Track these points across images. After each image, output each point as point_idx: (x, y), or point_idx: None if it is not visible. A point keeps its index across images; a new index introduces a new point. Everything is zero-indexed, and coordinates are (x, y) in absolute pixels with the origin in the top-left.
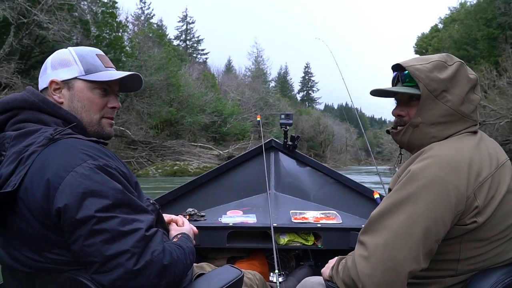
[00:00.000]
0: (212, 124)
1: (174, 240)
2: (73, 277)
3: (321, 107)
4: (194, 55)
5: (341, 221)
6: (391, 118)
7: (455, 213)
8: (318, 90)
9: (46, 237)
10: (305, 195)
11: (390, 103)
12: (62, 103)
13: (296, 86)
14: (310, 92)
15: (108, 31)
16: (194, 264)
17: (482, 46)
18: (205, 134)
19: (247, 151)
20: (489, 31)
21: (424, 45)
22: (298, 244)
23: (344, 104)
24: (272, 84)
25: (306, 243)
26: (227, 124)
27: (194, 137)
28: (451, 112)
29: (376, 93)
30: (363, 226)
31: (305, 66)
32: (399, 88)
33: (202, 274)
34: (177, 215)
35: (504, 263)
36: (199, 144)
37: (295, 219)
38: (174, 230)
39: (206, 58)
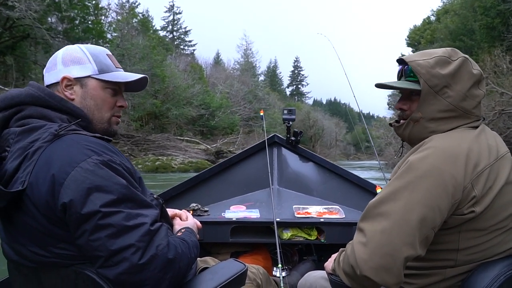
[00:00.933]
0: (199, 118)
1: (178, 234)
2: (79, 271)
3: (310, 101)
4: (181, 46)
5: (344, 216)
6: (379, 113)
7: (452, 202)
8: (307, 84)
9: (52, 231)
10: (308, 190)
11: (379, 99)
12: (73, 99)
13: (286, 80)
14: (299, 86)
15: (82, 14)
16: (198, 259)
17: (479, 37)
18: (192, 127)
19: (250, 146)
20: (487, 21)
21: (416, 38)
22: (301, 239)
23: (333, 99)
24: (262, 78)
25: (309, 238)
26: (215, 118)
27: (181, 131)
28: (451, 107)
29: (380, 86)
30: None
31: (294, 60)
32: (400, 83)
33: (206, 268)
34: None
35: (504, 254)
36: (186, 138)
37: (298, 214)
38: (178, 225)
39: (194, 50)
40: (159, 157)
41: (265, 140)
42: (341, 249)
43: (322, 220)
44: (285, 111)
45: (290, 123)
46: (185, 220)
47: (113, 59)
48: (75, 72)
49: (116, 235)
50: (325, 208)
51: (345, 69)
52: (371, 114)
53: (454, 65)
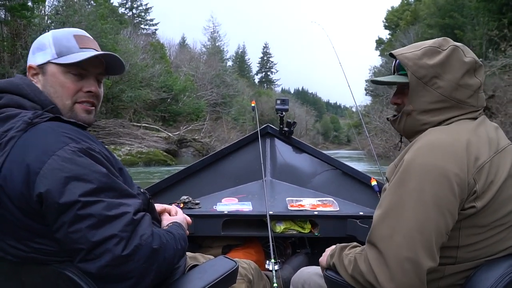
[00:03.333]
0: (160, 102)
1: (165, 227)
2: (59, 271)
3: (279, 89)
4: (142, 26)
5: (338, 209)
6: (345, 103)
7: (459, 201)
8: (277, 71)
9: (27, 225)
10: (301, 182)
11: (344, 89)
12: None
13: (255, 68)
14: (268, 73)
15: None
16: (188, 255)
17: (474, 11)
18: (152, 113)
19: (242, 137)
20: None
21: (394, 19)
22: (294, 232)
23: (300, 89)
24: (230, 63)
25: (303, 231)
26: (178, 102)
27: (138, 117)
28: (442, 98)
29: (374, 82)
30: (361, 213)
31: (263, 46)
32: (390, 78)
33: (195, 265)
34: (171, 203)
35: (507, 251)
36: (143, 124)
37: (291, 206)
38: (166, 220)
39: (156, 30)
40: (108, 146)
41: (257, 131)
42: (339, 245)
43: (316, 213)
44: (278, 101)
45: (283, 113)
46: (174, 215)
47: (81, 39)
48: (38, 59)
49: (97, 226)
50: (319, 201)
51: (316, 58)
52: (338, 104)
53: (443, 54)
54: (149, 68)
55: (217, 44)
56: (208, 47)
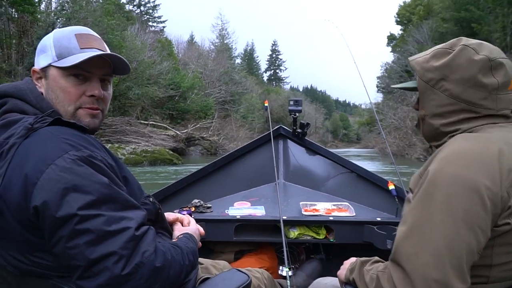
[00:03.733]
0: (168, 99)
1: (174, 240)
2: (58, 285)
3: (287, 87)
4: (150, 23)
5: (354, 214)
6: (355, 101)
7: (491, 217)
8: (286, 69)
9: (27, 239)
10: (315, 185)
11: (354, 86)
12: (42, 94)
13: (263, 65)
14: (277, 71)
15: None
16: (202, 260)
17: (492, 4)
18: (159, 111)
19: (254, 139)
20: None
21: (407, 14)
22: (309, 238)
23: (309, 87)
24: (238, 61)
25: (317, 237)
26: (187, 100)
27: (146, 114)
28: (451, 101)
29: (395, 88)
30: (378, 219)
31: (272, 44)
32: (404, 84)
33: (207, 278)
34: (182, 207)
35: None
36: (151, 122)
37: (305, 211)
38: (178, 231)
39: (164, 27)
40: (109, 145)
41: (270, 132)
42: (359, 260)
43: (331, 218)
44: (291, 102)
45: (297, 114)
46: (186, 225)
47: (83, 38)
48: (41, 62)
49: (95, 242)
50: (334, 205)
51: (324, 56)
52: (347, 102)
53: (451, 55)
54: (157, 65)
55: (225, 42)
56: (216, 44)
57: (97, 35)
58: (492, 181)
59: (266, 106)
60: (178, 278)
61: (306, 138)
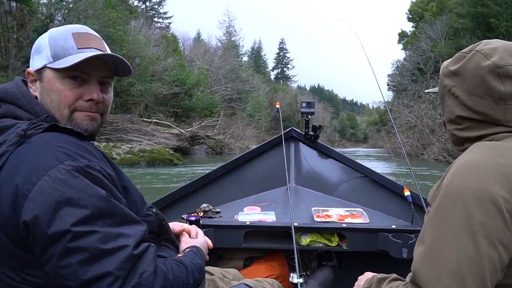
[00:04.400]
0: (173, 97)
1: (179, 255)
2: None
3: (294, 86)
4: (155, 19)
5: (368, 221)
6: (362, 100)
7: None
8: (293, 67)
9: (17, 255)
10: (328, 190)
11: (361, 86)
12: (36, 97)
13: (270, 64)
14: (285, 69)
15: None
16: (207, 276)
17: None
18: (163, 108)
19: (265, 142)
20: None
21: (419, 11)
22: (321, 245)
23: (316, 86)
24: (245, 58)
25: (330, 244)
26: (192, 97)
27: (149, 112)
28: (462, 108)
29: (428, 92)
30: (393, 226)
31: (280, 42)
32: (430, 90)
33: None
34: (190, 213)
35: None
36: (154, 120)
37: (317, 217)
38: (185, 243)
39: (169, 23)
40: (103, 144)
41: (281, 135)
42: (375, 276)
43: (344, 225)
44: (304, 104)
45: (309, 116)
46: (194, 237)
47: (80, 38)
48: (36, 63)
49: (89, 261)
50: (346, 211)
51: (330, 53)
52: (354, 101)
53: (463, 61)
54: (161, 61)
55: (232, 39)
56: (223, 42)
57: (96, 34)
58: (510, 192)
59: (277, 108)
60: None
61: (318, 141)
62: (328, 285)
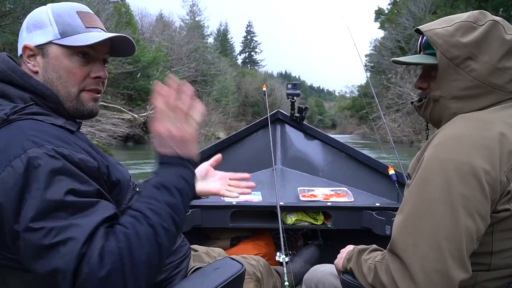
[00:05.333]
0: (126, 77)
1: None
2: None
3: (263, 70)
4: None
5: (352, 199)
6: (329, 87)
7: (490, 203)
8: (261, 51)
9: None
10: (313, 170)
11: (328, 72)
12: (36, 72)
13: (238, 48)
14: (252, 53)
15: None
16: (193, 253)
17: None
18: (114, 90)
19: (251, 124)
20: None
21: None
22: (306, 224)
23: (284, 72)
24: (211, 40)
25: (315, 223)
26: (150, 78)
27: None
28: (476, 83)
29: (396, 62)
30: (377, 204)
31: (247, 25)
32: (415, 58)
33: (199, 267)
34: None
35: None
36: (99, 103)
37: (303, 196)
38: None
39: None
40: None
41: (267, 117)
42: (356, 248)
43: (329, 204)
44: (289, 86)
45: (295, 98)
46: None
47: (86, 17)
48: (37, 38)
49: (39, 256)
50: (332, 190)
51: (301, 40)
52: (321, 88)
53: (480, 31)
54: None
55: (196, 19)
56: (187, 22)
57: (93, 13)
58: (491, 165)
59: (264, 91)
60: (151, 264)
61: (304, 122)
62: (314, 262)
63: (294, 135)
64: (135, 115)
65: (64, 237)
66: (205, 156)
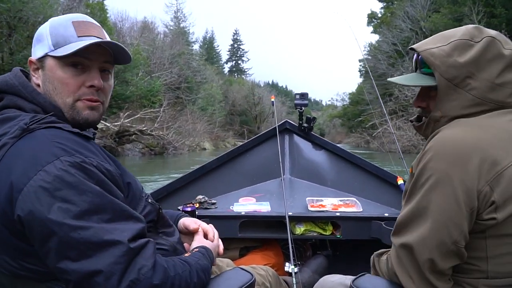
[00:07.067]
0: None
1: (187, 254)
2: (53, 287)
3: (251, 79)
4: None
5: (361, 209)
6: (316, 96)
7: (468, 211)
8: (248, 60)
9: (16, 245)
10: (322, 180)
11: (314, 82)
12: (39, 85)
13: (224, 56)
14: (239, 62)
15: None
16: None
17: None
18: None
19: (259, 134)
20: None
21: None
22: (315, 234)
23: (271, 82)
24: (196, 48)
25: (324, 233)
26: (128, 84)
27: None
28: (477, 101)
29: (393, 82)
30: (386, 214)
31: (233, 33)
32: (413, 79)
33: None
34: (186, 204)
35: None
36: None
37: (311, 207)
38: (197, 242)
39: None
40: None
41: (275, 127)
42: (374, 254)
43: (338, 214)
44: (297, 96)
45: (303, 108)
46: (211, 239)
47: (81, 26)
48: (37, 52)
49: (84, 256)
50: (340, 201)
51: (282, 49)
52: (308, 97)
53: (477, 48)
54: None
55: (181, 25)
56: (171, 28)
57: (96, 22)
58: (467, 175)
59: (273, 101)
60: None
61: (312, 132)
62: (322, 273)
63: (303, 145)
64: (108, 124)
65: (112, 239)
66: (215, 166)
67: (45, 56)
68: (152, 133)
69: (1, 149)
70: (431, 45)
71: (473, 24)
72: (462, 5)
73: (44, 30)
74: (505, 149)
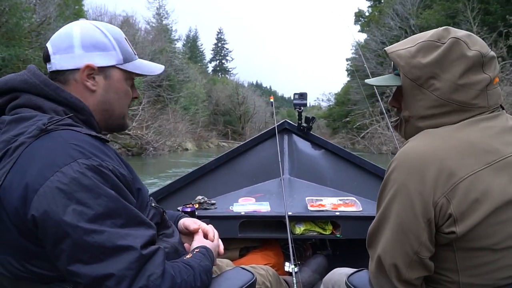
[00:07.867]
0: None
1: (188, 256)
2: None
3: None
4: None
5: (361, 209)
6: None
7: (424, 221)
8: (232, 59)
9: (23, 245)
10: (321, 180)
11: (298, 83)
12: (94, 91)
13: (208, 55)
14: (223, 61)
15: None
16: None
17: None
18: None
19: (259, 134)
20: None
21: None
22: (315, 234)
23: (255, 83)
24: (179, 46)
25: (324, 233)
26: None
27: None
28: (441, 102)
29: (368, 83)
30: None
31: (217, 32)
32: (383, 80)
33: None
34: (186, 204)
35: None
36: None
37: (311, 206)
38: (198, 242)
39: None
40: None
41: (275, 127)
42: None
43: (337, 213)
44: (296, 96)
45: (302, 108)
46: (211, 239)
47: (129, 43)
48: (99, 60)
49: (97, 260)
50: (340, 200)
51: (266, 50)
52: (292, 99)
53: (441, 50)
54: (48, 23)
55: (164, 23)
56: (153, 25)
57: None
58: (423, 187)
59: (272, 102)
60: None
61: (311, 132)
62: (322, 272)
63: (302, 145)
64: None
65: (125, 244)
66: (214, 166)
67: (112, 66)
68: (130, 132)
69: (18, 148)
70: (401, 46)
71: (468, 21)
72: (456, 1)
73: (105, 40)
74: (463, 160)
